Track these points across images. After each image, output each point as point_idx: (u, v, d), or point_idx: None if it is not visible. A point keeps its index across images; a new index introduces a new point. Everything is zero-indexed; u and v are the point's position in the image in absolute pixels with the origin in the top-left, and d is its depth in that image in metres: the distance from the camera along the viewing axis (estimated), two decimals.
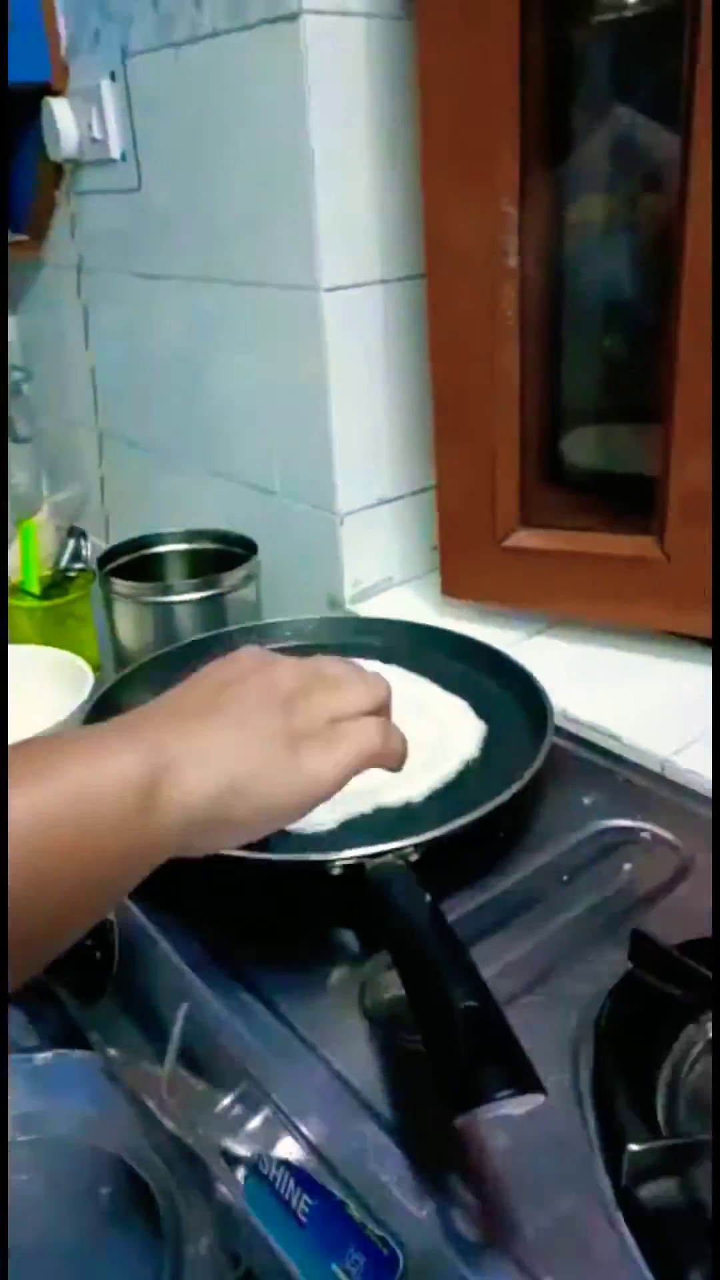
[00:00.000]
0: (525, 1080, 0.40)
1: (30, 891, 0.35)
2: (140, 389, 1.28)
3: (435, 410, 0.98)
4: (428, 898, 0.52)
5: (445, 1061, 0.42)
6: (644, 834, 0.67)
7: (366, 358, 1.01)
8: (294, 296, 0.99)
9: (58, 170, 1.27)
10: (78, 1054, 0.65)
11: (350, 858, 0.58)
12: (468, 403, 0.95)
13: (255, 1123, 0.53)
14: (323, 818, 0.64)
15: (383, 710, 0.49)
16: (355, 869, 0.57)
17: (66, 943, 0.39)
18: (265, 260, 1.01)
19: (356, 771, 0.46)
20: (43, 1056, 0.66)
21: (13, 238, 1.35)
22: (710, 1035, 0.50)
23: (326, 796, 0.45)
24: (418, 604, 1.08)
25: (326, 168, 0.92)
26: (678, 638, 0.92)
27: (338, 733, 0.46)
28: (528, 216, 0.88)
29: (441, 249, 0.91)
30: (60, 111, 1.18)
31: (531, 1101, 0.40)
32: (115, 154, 1.14)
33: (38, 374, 1.43)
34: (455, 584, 1.04)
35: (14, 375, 1.38)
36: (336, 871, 0.58)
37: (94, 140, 1.16)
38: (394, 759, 0.48)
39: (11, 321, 1.50)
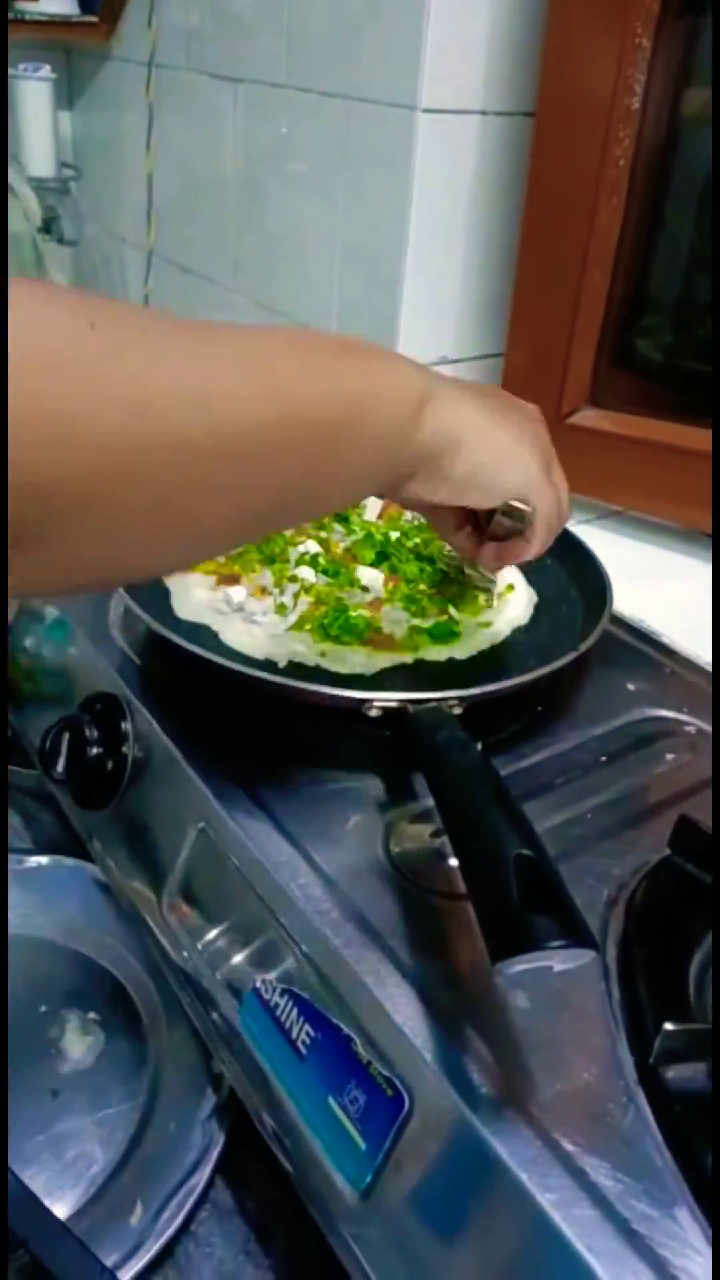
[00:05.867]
0: (579, 933, 0.37)
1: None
2: (198, 208, 1.19)
3: (520, 264, 0.91)
4: (478, 746, 0.49)
5: (493, 907, 0.39)
6: (689, 728, 0.64)
7: (453, 197, 0.94)
8: (384, 115, 0.90)
9: None
10: (72, 862, 0.62)
11: (392, 700, 0.54)
12: (557, 259, 0.88)
13: (256, 950, 0.51)
14: (362, 662, 0.60)
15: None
16: (395, 713, 0.54)
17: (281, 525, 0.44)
18: (358, 70, 0.92)
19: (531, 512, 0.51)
20: (36, 860, 0.63)
21: (82, 18, 1.24)
22: None
23: (523, 489, 0.50)
24: None
25: None
26: None
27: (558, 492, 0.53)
28: (660, 58, 0.80)
29: (558, 78, 0.83)
30: None
31: (580, 957, 0.37)
32: None
33: (89, 176, 1.34)
34: None
35: (63, 173, 1.29)
36: (374, 713, 0.54)
37: None
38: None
39: (65, 117, 1.39)
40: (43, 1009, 0.59)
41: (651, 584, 0.84)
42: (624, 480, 0.92)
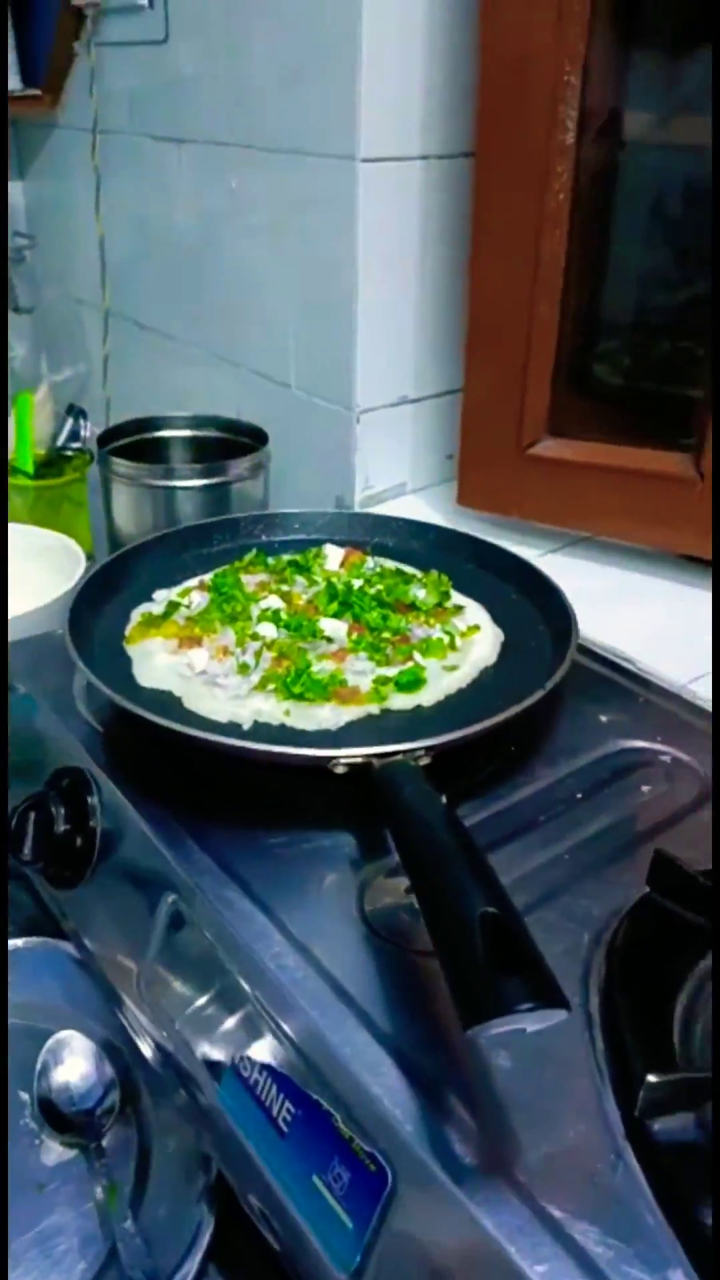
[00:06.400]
0: (548, 994, 0.36)
1: None
2: (152, 266, 1.20)
3: (470, 302, 0.91)
4: (443, 800, 0.48)
5: (461, 969, 0.38)
6: (664, 757, 0.63)
7: (400, 241, 0.94)
8: (327, 166, 0.91)
9: (78, 18, 1.17)
10: (49, 942, 0.61)
11: (357, 755, 0.53)
12: (506, 294, 0.88)
13: (233, 1025, 0.50)
14: (328, 717, 0.59)
15: None
16: (361, 768, 0.53)
17: None
18: (298, 124, 0.93)
19: None
20: (13, 943, 0.62)
21: (26, 91, 1.25)
22: None
23: None
24: (429, 515, 1.03)
25: (375, 20, 0.84)
26: (697, 563, 0.88)
27: None
28: (591, 91, 0.81)
29: (495, 119, 0.83)
30: None
31: (552, 1017, 0.36)
32: None
33: (43, 242, 1.35)
34: (473, 493, 0.99)
35: (17, 241, 1.30)
36: (340, 770, 0.54)
37: None
38: None
39: (17, 186, 1.40)
40: (24, 1097, 0.57)
41: (620, 607, 0.83)
42: (588, 506, 0.92)
